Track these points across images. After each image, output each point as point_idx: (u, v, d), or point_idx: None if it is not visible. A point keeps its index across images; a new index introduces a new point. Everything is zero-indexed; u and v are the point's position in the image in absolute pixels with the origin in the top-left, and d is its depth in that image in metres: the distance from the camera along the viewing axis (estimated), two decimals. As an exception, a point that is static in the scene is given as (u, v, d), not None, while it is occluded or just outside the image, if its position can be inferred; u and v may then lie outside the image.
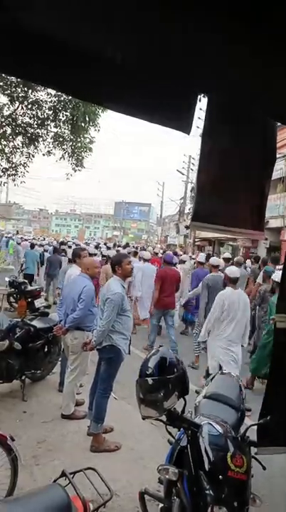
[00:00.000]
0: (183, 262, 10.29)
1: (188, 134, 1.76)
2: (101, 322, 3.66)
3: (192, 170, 30.12)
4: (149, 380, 1.92)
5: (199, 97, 2.07)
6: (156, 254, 11.90)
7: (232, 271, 5.12)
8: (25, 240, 20.67)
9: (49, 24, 1.13)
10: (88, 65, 1.37)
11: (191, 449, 1.95)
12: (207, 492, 1.76)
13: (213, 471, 1.80)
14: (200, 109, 2.39)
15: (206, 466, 1.82)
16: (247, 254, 15.14)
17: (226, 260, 9.07)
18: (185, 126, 1.70)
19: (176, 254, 11.81)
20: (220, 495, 1.75)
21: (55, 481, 1.98)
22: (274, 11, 0.98)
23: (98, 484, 2.14)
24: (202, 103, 1.95)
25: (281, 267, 8.30)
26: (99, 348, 3.75)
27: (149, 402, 1.92)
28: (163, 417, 1.99)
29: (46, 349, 4.99)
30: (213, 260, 7.02)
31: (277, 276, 5.62)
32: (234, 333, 4.77)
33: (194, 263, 9.60)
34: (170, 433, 2.18)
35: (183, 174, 31.28)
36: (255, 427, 2.00)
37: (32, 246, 13.51)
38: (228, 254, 10.08)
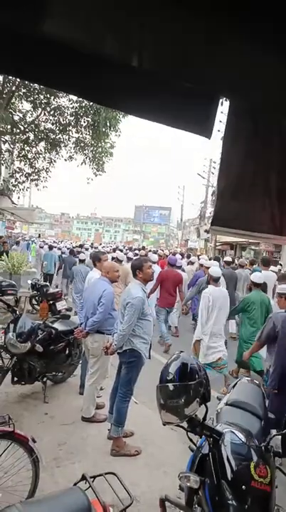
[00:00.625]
0: (192, 263, 10.32)
1: (209, 138, 1.74)
2: (122, 326, 3.66)
3: (213, 173, 29.92)
4: (170, 386, 1.90)
5: (221, 100, 2.05)
6: (166, 256, 11.96)
7: (215, 271, 5.73)
8: (46, 243, 21.10)
9: (70, 32, 1.14)
10: (110, 70, 1.38)
11: (213, 457, 1.91)
12: (230, 502, 1.72)
13: (235, 480, 1.76)
14: (222, 112, 2.37)
15: (229, 476, 1.78)
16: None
17: (227, 263, 9.30)
18: (206, 131, 1.69)
19: (184, 256, 12.07)
20: (243, 506, 1.70)
21: (75, 484, 1.98)
22: None
23: (118, 489, 2.12)
24: (223, 107, 1.93)
25: (273, 268, 8.08)
26: (120, 352, 3.75)
27: (170, 408, 1.89)
28: (184, 424, 1.97)
29: (67, 352, 5.04)
30: (204, 262, 7.83)
31: (255, 276, 5.99)
32: (216, 327, 5.31)
33: (200, 265, 9.52)
34: (191, 440, 2.15)
35: (203, 178, 31.11)
36: (279, 437, 1.95)
37: (50, 248, 14.30)
38: (228, 258, 10.05)
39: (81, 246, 15.50)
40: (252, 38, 1.06)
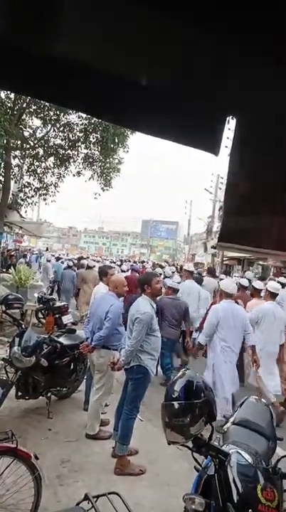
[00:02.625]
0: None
1: (217, 155, 1.76)
2: (130, 342, 3.63)
3: (220, 189, 30.06)
4: (175, 404, 1.87)
5: (228, 118, 2.08)
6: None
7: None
8: (55, 256, 21.48)
9: (74, 48, 1.17)
10: (115, 87, 1.41)
11: (219, 478, 1.87)
12: (236, 526, 1.67)
13: (242, 503, 1.71)
14: (229, 129, 2.40)
15: (235, 498, 1.74)
16: (277, 274, 14.76)
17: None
18: (213, 148, 1.70)
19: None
20: (249, 530, 1.65)
21: (77, 504, 1.94)
22: None
23: (121, 509, 2.08)
24: (230, 123, 1.95)
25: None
26: (127, 368, 3.72)
27: (175, 426, 1.86)
28: (190, 443, 1.93)
29: (72, 366, 5.01)
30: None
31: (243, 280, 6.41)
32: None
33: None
34: (196, 460, 2.10)
35: (211, 193, 31.24)
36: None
37: (58, 259, 15.95)
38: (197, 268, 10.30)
39: (80, 259, 15.54)
40: (261, 56, 1.07)
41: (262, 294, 6.21)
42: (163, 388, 2.03)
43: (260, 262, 20.11)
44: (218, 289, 6.15)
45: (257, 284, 6.50)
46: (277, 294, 5.56)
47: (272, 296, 5.47)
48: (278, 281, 7.25)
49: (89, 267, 10.65)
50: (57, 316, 7.97)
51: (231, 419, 2.66)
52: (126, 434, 3.62)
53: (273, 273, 15.95)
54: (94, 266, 10.58)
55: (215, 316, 4.80)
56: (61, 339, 4.93)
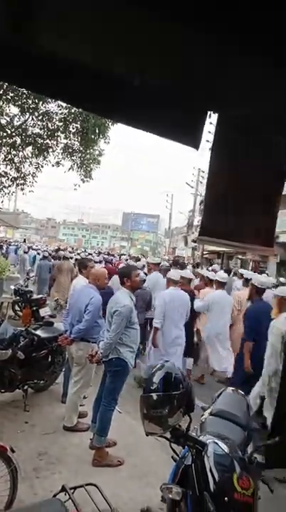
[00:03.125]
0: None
1: (197, 149, 1.76)
2: (109, 334, 3.62)
3: (201, 183, 30.23)
4: (154, 396, 1.87)
5: (209, 113, 2.07)
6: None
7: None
8: (33, 249, 21.30)
9: (61, 42, 1.14)
10: (99, 80, 1.38)
11: (196, 468, 1.89)
12: (212, 514, 1.70)
13: (218, 492, 1.74)
14: (211, 123, 2.40)
15: (211, 487, 1.76)
16: (255, 269, 15.03)
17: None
18: (194, 142, 1.71)
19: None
20: (225, 518, 1.68)
21: (55, 495, 1.93)
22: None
23: (99, 500, 2.08)
24: (212, 118, 1.95)
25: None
26: (106, 361, 3.71)
27: (153, 418, 1.87)
28: (168, 434, 1.94)
29: (50, 359, 4.95)
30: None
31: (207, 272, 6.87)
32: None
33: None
34: (174, 450, 2.12)
35: (192, 187, 31.38)
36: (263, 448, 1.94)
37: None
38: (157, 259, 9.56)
39: (57, 251, 15.85)
40: (243, 52, 1.07)
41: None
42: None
43: (239, 256, 20.42)
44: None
45: (210, 275, 7.27)
46: (226, 283, 6.46)
47: (221, 285, 6.30)
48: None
49: (65, 258, 11.26)
50: (34, 308, 7.87)
51: (208, 410, 2.70)
52: (105, 426, 3.63)
53: (252, 267, 16.22)
54: (71, 257, 11.42)
55: (163, 301, 5.36)
56: (38, 332, 4.87)
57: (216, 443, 1.93)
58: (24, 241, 31.44)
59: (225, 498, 1.72)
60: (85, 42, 1.09)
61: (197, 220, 30.21)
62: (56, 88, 1.51)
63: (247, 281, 6.62)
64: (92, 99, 1.56)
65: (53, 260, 12.47)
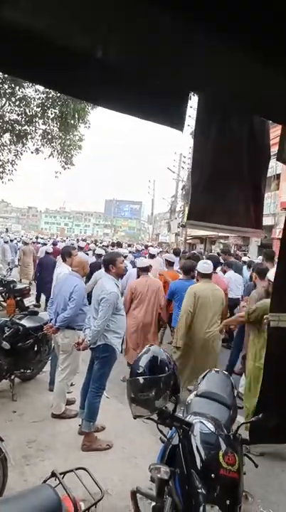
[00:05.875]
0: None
1: (182, 131, 1.75)
2: (96, 322, 3.63)
3: (183, 168, 30.16)
4: (140, 379, 1.89)
5: (190, 94, 2.05)
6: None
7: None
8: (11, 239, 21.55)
9: (37, 22, 1.10)
10: (80, 63, 1.35)
11: (183, 447, 1.94)
12: (199, 491, 1.75)
13: (204, 469, 1.79)
14: (191, 107, 2.38)
15: (198, 465, 1.81)
16: (237, 251, 15.23)
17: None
18: (178, 124, 1.69)
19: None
20: (212, 493, 1.73)
21: (44, 481, 1.95)
22: (264, 13, 0.98)
23: (89, 484, 2.12)
24: (192, 101, 1.94)
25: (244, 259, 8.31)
26: (93, 347, 3.72)
27: (140, 401, 1.89)
28: (155, 416, 1.98)
29: (36, 348, 4.94)
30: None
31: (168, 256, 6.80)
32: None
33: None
34: (161, 432, 2.16)
35: (173, 172, 31.29)
36: (247, 425, 2.00)
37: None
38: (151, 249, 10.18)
39: (37, 238, 18.59)
40: (221, 35, 1.06)
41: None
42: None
43: (222, 241, 20.64)
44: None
45: (168, 257, 7.38)
46: (209, 274, 5.59)
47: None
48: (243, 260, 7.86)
49: (25, 243, 13.76)
50: (18, 298, 7.79)
51: (194, 392, 2.76)
52: (93, 411, 3.66)
53: (234, 250, 16.43)
54: (29, 243, 13.95)
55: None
56: (23, 321, 4.84)
57: (202, 422, 1.97)
58: (6, 230, 30.88)
59: (212, 475, 1.77)
60: (47, 16, 1.05)
61: (179, 205, 30.22)
62: (28, 71, 1.47)
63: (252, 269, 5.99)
64: (71, 82, 1.52)
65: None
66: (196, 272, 5.09)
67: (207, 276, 4.77)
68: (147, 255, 8.71)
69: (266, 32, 1.03)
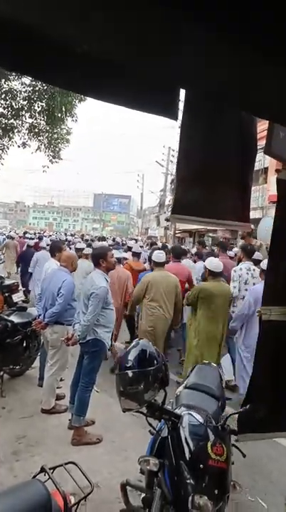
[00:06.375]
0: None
1: (176, 120, 1.74)
2: (86, 317, 3.62)
3: (172, 162, 30.12)
4: (129, 373, 1.90)
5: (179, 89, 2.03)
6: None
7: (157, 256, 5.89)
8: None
9: (22, 11, 1.07)
10: (70, 54, 1.32)
11: (172, 439, 1.95)
12: (188, 481, 1.77)
13: (193, 460, 1.81)
14: (179, 100, 2.37)
15: (187, 456, 1.83)
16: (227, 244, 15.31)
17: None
18: (171, 113, 1.68)
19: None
20: (200, 484, 1.76)
21: (34, 476, 1.94)
22: (252, 12, 0.97)
23: (79, 478, 2.12)
24: (182, 93, 1.93)
25: (230, 253, 8.32)
26: (83, 342, 3.71)
27: (129, 394, 1.90)
28: (144, 409, 1.99)
29: (25, 344, 4.91)
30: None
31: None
32: None
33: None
34: (150, 424, 2.18)
35: (162, 166, 31.22)
36: (235, 416, 2.02)
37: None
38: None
39: (25, 233, 19.60)
40: (208, 27, 1.05)
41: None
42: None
43: (210, 234, 20.73)
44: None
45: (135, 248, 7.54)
46: (162, 263, 5.41)
47: (157, 265, 5.38)
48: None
49: (11, 238, 15.22)
50: (6, 294, 7.71)
51: (183, 384, 2.78)
52: (83, 405, 3.67)
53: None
54: (15, 237, 15.78)
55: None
56: (12, 317, 4.80)
57: (191, 414, 1.99)
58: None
59: (200, 466, 1.79)
60: (37, 7, 1.03)
61: (168, 199, 30.25)
62: (18, 61, 1.43)
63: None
64: (61, 74, 1.49)
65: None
66: (151, 261, 5.44)
67: (160, 264, 5.19)
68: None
69: (255, 28, 1.02)
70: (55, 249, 5.34)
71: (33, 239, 14.03)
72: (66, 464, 2.13)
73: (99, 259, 3.86)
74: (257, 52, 1.08)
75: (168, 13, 1.02)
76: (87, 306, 3.68)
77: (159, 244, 11.56)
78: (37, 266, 8.79)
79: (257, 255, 5.81)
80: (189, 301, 4.77)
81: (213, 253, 7.39)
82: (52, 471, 1.97)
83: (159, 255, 5.24)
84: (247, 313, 4.63)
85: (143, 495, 2.23)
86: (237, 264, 5.82)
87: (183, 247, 9.55)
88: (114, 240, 16.60)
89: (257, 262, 5.48)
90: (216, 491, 1.77)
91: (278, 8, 0.90)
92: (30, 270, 9.21)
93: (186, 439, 1.87)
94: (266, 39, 1.02)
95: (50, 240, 13.58)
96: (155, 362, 1.94)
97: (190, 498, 1.71)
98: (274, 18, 0.95)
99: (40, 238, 13.38)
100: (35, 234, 20.46)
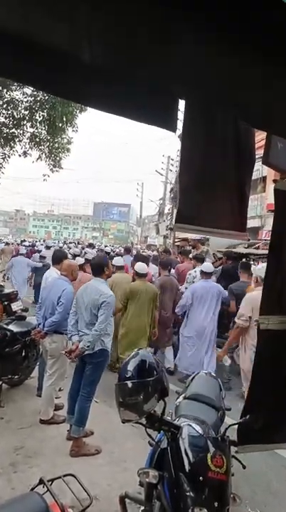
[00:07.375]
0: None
1: (174, 131, 1.77)
2: (98, 326, 3.57)
3: (171, 170, 30.27)
4: (129, 384, 1.89)
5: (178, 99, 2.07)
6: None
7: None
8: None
9: (16, 19, 1.10)
10: (70, 64, 1.35)
11: (171, 451, 1.94)
12: (187, 494, 1.75)
13: (193, 472, 1.80)
14: (179, 109, 2.41)
15: (186, 468, 1.81)
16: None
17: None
18: (169, 124, 1.70)
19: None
20: (200, 496, 1.74)
21: (32, 489, 1.92)
22: (253, 19, 0.98)
23: (78, 490, 2.10)
24: (181, 104, 1.96)
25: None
26: (90, 353, 3.63)
27: (129, 405, 1.89)
28: (144, 420, 1.97)
29: (24, 353, 4.88)
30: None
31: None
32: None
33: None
34: (150, 435, 2.16)
35: (162, 175, 31.36)
36: (235, 427, 2.01)
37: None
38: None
39: (22, 241, 21.19)
40: (208, 27, 1.06)
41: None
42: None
43: (209, 242, 20.76)
44: None
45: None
46: (144, 274, 5.71)
47: (139, 275, 5.63)
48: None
49: (7, 244, 16.26)
50: (6, 303, 7.68)
51: (183, 394, 2.76)
52: (83, 416, 3.63)
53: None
54: (12, 243, 16.94)
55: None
56: (11, 326, 4.78)
57: (190, 425, 1.98)
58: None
59: (200, 478, 1.77)
60: (33, 16, 1.05)
61: (167, 208, 30.33)
62: (19, 71, 1.46)
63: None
64: (63, 83, 1.52)
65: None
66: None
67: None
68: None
69: (252, 41, 1.04)
70: (58, 258, 5.17)
71: (29, 247, 14.35)
72: (65, 475, 2.10)
73: (104, 267, 3.90)
74: (257, 52, 1.08)
75: (168, 13, 1.03)
76: (94, 315, 3.64)
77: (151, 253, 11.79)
78: (12, 270, 9.49)
79: (207, 260, 7.09)
80: (122, 303, 5.47)
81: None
82: (50, 483, 1.95)
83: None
84: (184, 304, 5.79)
85: (142, 508, 2.21)
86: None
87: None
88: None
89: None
90: (216, 504, 1.75)
91: (278, 8, 0.91)
92: (7, 274, 9.76)
93: (185, 450, 1.86)
94: (266, 39, 1.02)
95: (45, 247, 14.01)
96: (154, 372, 1.94)
97: (189, 511, 1.70)
98: (274, 18, 0.95)
99: (33, 245, 13.76)
100: (32, 242, 20.97)
